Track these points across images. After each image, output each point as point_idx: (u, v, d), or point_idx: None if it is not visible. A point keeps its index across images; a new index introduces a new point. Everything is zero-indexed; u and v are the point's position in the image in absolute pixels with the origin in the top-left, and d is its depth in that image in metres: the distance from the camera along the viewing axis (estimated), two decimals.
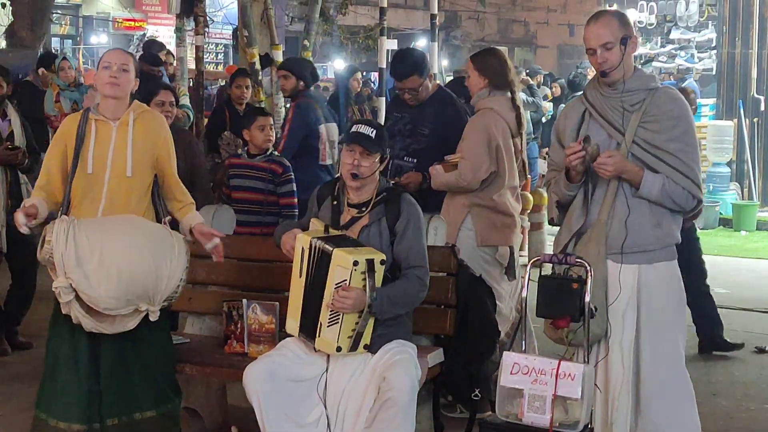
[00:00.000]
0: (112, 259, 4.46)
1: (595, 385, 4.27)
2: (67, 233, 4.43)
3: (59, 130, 4.82)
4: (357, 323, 4.32)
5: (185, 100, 9.41)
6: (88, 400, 4.61)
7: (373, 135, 4.51)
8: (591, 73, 14.06)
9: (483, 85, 5.71)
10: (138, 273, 4.50)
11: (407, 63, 5.99)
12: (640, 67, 4.56)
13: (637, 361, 4.33)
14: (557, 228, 4.59)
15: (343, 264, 4.26)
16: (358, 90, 14.16)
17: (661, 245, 4.32)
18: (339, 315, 4.31)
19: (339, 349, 4.33)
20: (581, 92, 4.60)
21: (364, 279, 4.27)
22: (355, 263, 4.24)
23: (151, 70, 9.13)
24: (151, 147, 4.76)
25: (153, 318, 4.59)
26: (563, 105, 9.20)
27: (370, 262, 4.28)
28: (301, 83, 7.51)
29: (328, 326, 4.33)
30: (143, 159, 4.73)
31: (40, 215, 4.59)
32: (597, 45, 4.27)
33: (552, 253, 4.39)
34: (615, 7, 15.42)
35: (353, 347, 4.36)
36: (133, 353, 4.68)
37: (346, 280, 4.26)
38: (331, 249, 4.31)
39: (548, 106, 13.42)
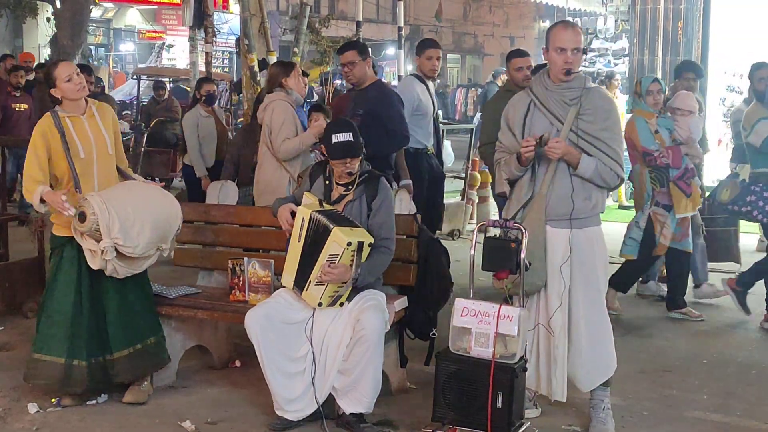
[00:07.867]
0: (143, 214, 4.47)
1: (549, 329, 4.28)
2: (103, 204, 4.37)
3: (37, 132, 4.55)
4: (339, 288, 4.31)
5: None
6: (82, 338, 4.56)
7: (352, 139, 4.43)
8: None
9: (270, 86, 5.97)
10: (161, 219, 4.57)
11: (347, 44, 6.20)
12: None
13: (569, 305, 4.32)
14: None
15: (338, 242, 4.21)
16: None
17: (589, 214, 4.31)
18: None
19: (320, 304, 4.32)
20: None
21: (353, 257, 4.24)
22: (349, 244, 4.20)
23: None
24: (112, 127, 4.79)
25: (166, 254, 4.68)
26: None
27: (360, 244, 4.25)
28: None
29: (315, 285, 4.31)
30: (111, 138, 4.76)
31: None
32: (571, 47, 4.20)
33: (495, 219, 4.39)
34: (547, 23, 15.43)
35: (331, 304, 4.34)
36: (135, 288, 4.67)
37: (338, 254, 4.22)
38: (331, 226, 4.25)
39: None
